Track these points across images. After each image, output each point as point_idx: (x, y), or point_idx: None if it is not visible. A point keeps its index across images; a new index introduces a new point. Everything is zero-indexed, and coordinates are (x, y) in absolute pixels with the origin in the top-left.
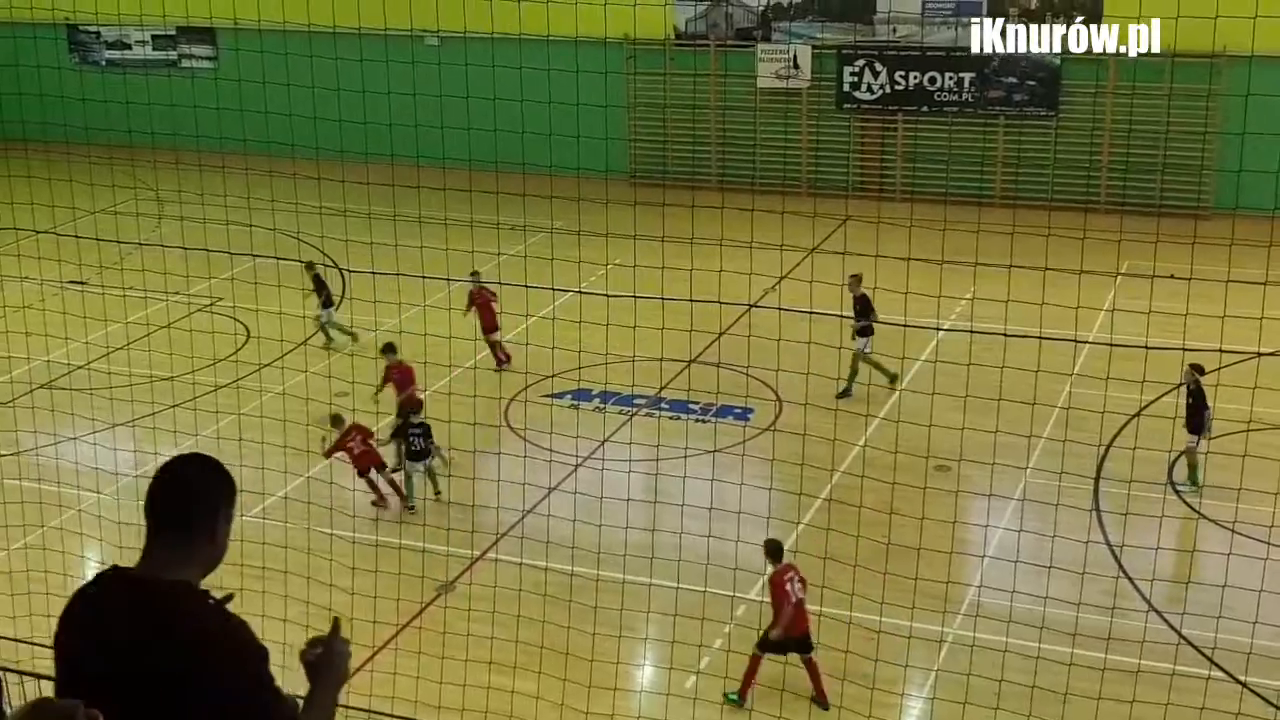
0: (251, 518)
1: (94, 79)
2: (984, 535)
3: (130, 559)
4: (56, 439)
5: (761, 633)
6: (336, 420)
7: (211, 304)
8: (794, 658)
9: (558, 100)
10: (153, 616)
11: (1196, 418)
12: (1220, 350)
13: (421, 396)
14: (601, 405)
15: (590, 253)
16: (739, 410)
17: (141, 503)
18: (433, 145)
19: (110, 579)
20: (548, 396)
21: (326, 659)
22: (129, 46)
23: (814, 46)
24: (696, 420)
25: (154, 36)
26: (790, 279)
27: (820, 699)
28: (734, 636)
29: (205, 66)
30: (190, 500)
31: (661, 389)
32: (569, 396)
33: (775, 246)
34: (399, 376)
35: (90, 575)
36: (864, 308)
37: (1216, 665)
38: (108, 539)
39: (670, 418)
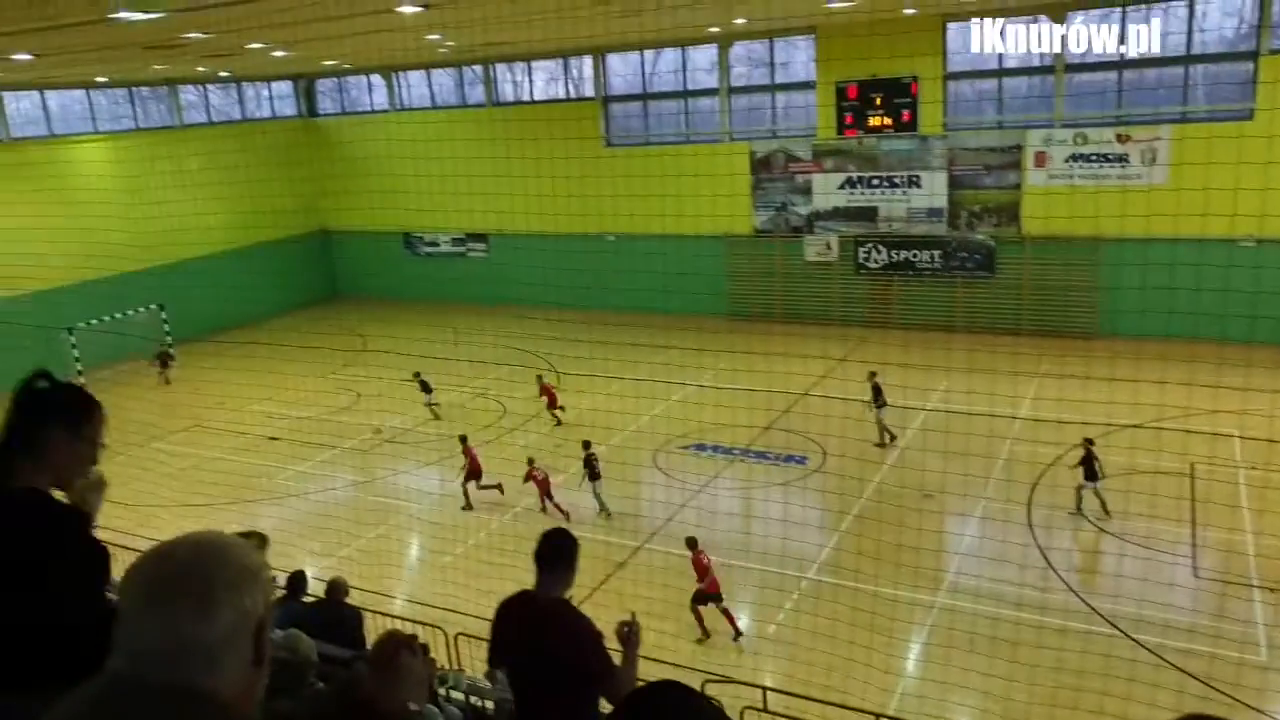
0: (501, 521)
1: (417, 262)
2: (958, 538)
3: (430, 544)
4: (394, 473)
5: (692, 594)
6: (464, 439)
7: (484, 392)
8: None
9: (686, 269)
10: (544, 617)
11: (1090, 468)
12: (1097, 424)
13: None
14: (713, 453)
15: (706, 360)
16: (798, 457)
17: (442, 510)
18: (614, 298)
19: (520, 596)
20: (681, 447)
21: (632, 635)
22: (437, 244)
23: (840, 236)
24: (771, 463)
25: (453, 239)
26: (827, 378)
27: (735, 631)
28: (799, 600)
29: (481, 255)
30: (560, 554)
31: (750, 445)
32: (694, 447)
33: (817, 356)
34: (470, 455)
35: (413, 553)
36: (877, 391)
37: (1114, 625)
38: (424, 531)
39: (755, 462)
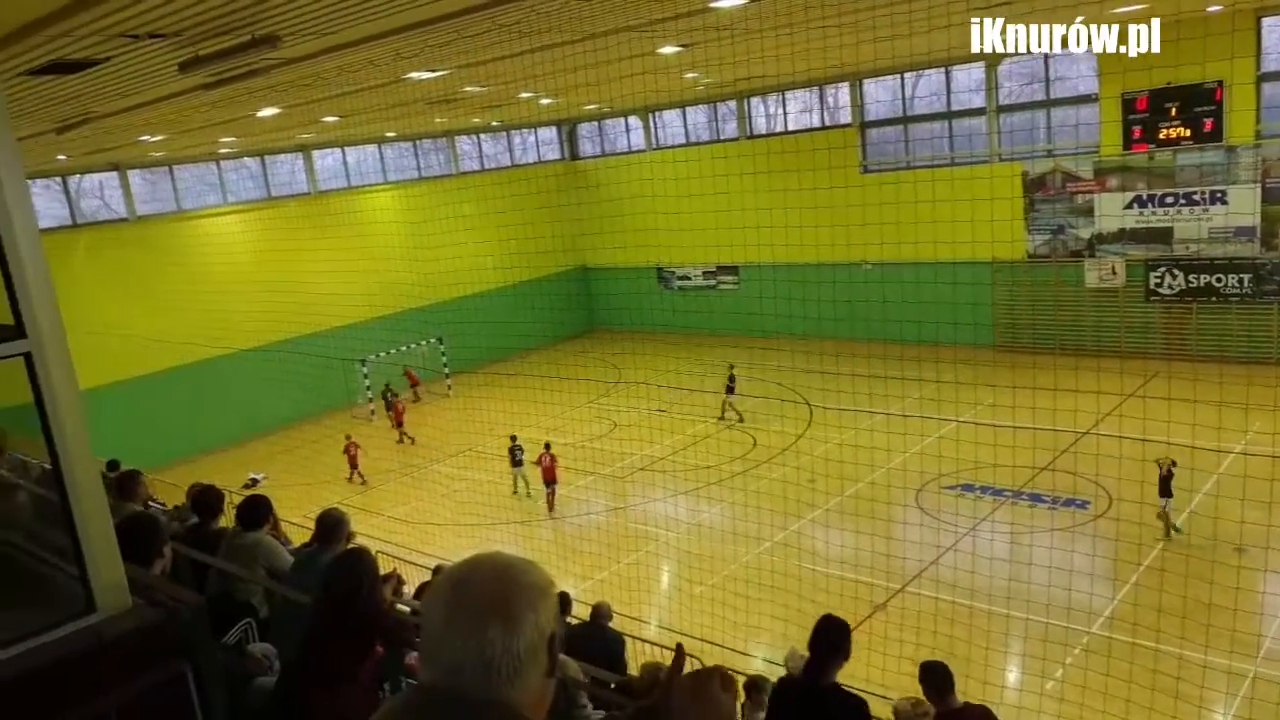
0: (754, 554)
1: (669, 296)
2: None
3: (683, 572)
4: (647, 500)
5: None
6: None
7: (733, 425)
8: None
9: (950, 297)
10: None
11: (1165, 485)
12: None
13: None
14: (982, 494)
15: (972, 393)
16: (1080, 501)
17: (696, 539)
18: (871, 329)
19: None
20: (946, 487)
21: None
22: (689, 278)
23: (1126, 259)
24: (1048, 507)
25: (704, 272)
26: (1114, 415)
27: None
28: (1085, 657)
29: (732, 287)
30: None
31: (1024, 486)
32: (960, 487)
33: (1103, 392)
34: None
35: (666, 580)
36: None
37: None
38: (679, 560)
39: (1029, 504)
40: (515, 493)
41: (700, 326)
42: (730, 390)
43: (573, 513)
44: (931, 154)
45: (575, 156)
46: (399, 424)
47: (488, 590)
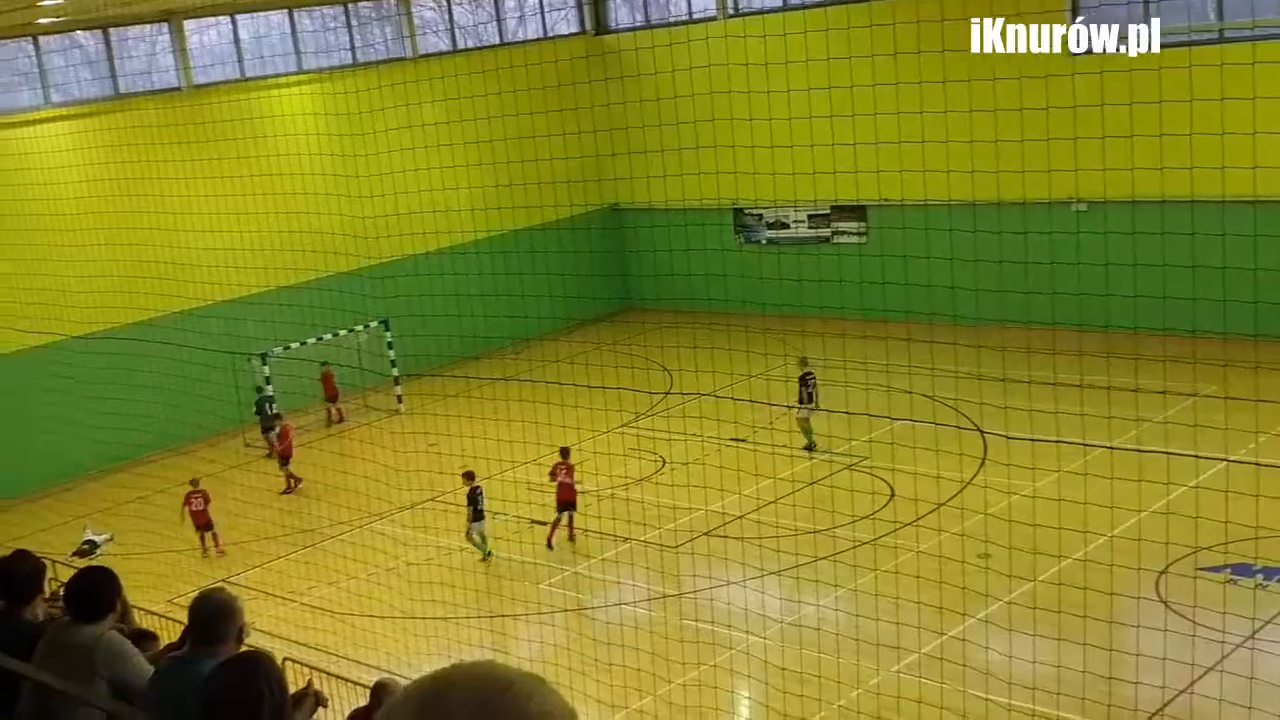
0: (891, 673)
1: (753, 254)
2: None
3: (776, 700)
4: (715, 583)
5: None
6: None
7: (855, 464)
8: None
9: (1226, 258)
10: None
11: None
12: None
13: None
14: (1265, 579)
15: (1249, 417)
16: None
17: (793, 649)
18: (1080, 310)
19: None
20: (1206, 568)
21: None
22: (786, 225)
23: None
24: None
25: (810, 215)
26: None
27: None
28: None
29: (855, 240)
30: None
31: None
32: (1230, 569)
33: None
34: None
35: (746, 712)
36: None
37: None
38: (763, 679)
39: None
40: (479, 552)
41: (803, 304)
42: (807, 399)
43: (597, 602)
44: (1189, 21)
45: (603, 29)
46: (284, 458)
47: None
